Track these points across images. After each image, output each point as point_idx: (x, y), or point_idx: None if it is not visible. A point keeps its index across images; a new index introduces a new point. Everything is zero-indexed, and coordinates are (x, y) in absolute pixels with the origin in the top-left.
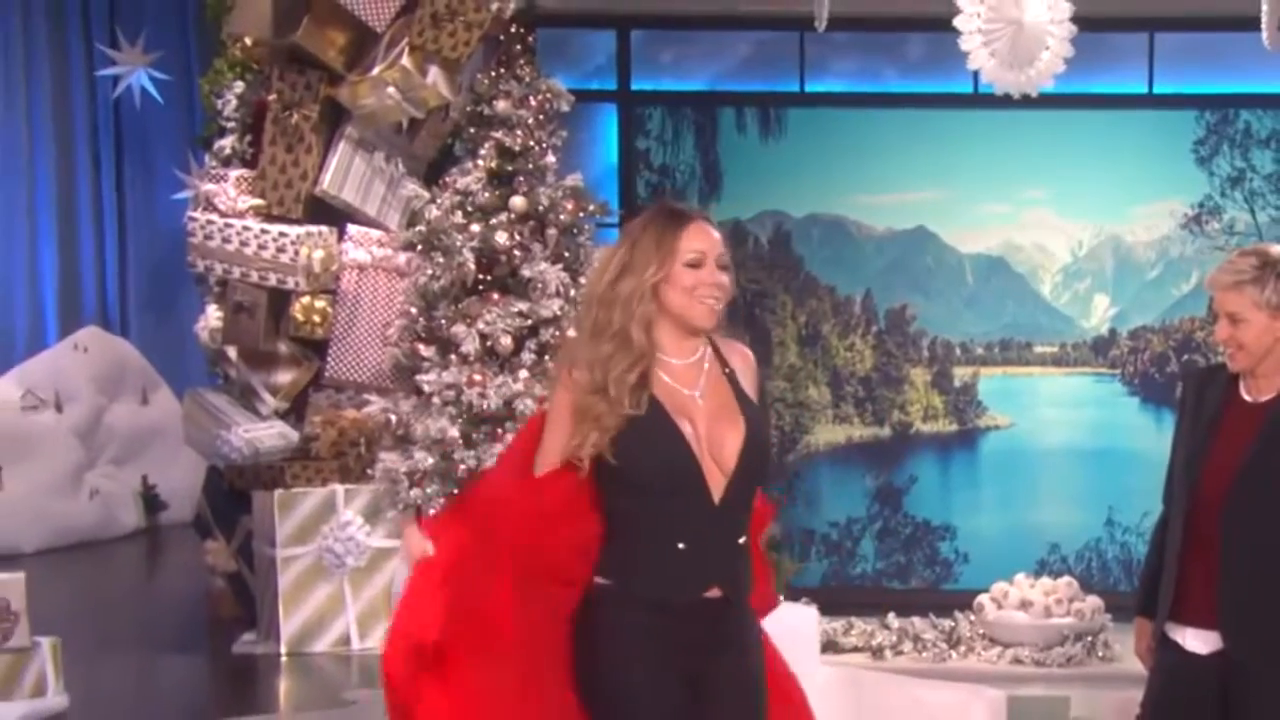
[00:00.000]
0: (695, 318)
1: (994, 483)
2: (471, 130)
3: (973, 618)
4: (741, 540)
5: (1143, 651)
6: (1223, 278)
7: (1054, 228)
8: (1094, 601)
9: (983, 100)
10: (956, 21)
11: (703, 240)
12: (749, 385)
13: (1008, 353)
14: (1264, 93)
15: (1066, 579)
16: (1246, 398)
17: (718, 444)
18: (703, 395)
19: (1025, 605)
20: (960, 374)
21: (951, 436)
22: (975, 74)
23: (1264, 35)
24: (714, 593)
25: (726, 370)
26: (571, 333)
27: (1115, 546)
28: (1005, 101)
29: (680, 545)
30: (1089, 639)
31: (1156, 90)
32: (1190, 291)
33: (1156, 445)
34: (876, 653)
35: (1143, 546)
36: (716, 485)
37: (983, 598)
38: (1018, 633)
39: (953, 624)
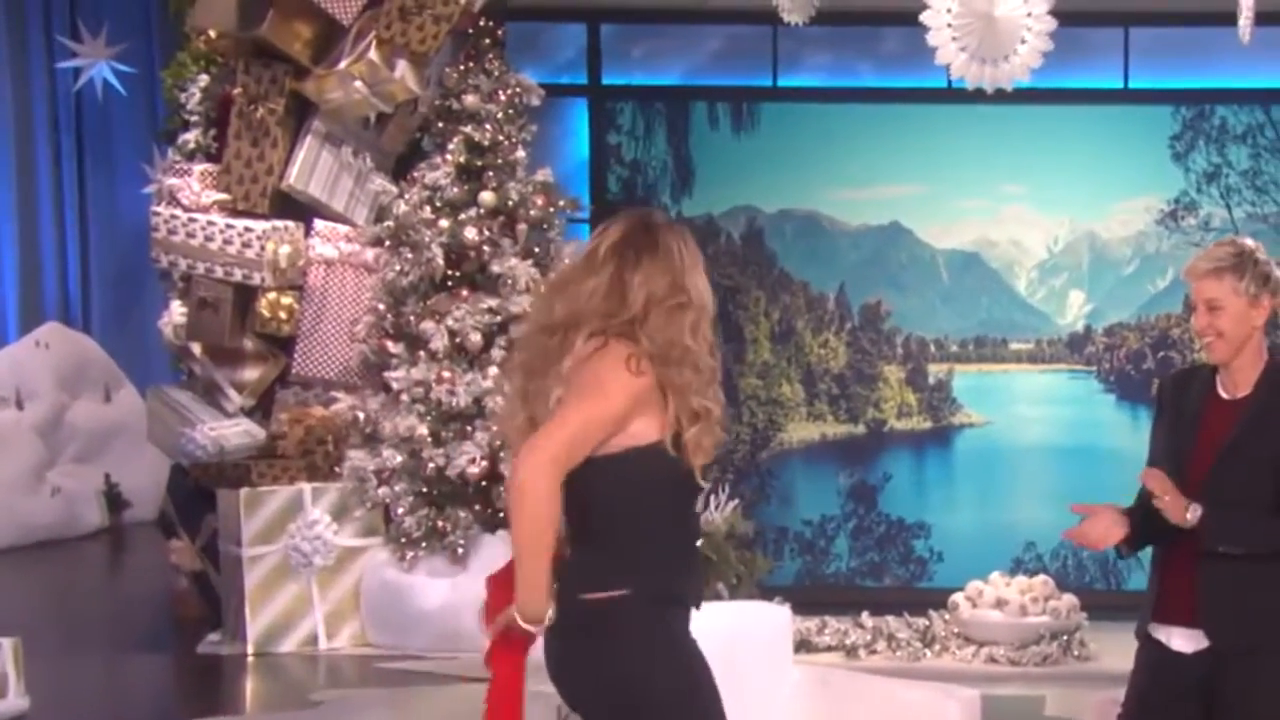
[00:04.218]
0: None
1: (969, 480)
2: (440, 125)
3: (947, 616)
4: None
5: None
6: (1201, 265)
7: (1029, 223)
8: (1070, 600)
9: (958, 95)
10: (924, 17)
11: None
12: None
13: (983, 349)
14: (1240, 88)
15: (1042, 577)
16: (1224, 395)
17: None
18: None
19: (1000, 604)
20: (935, 371)
21: (926, 434)
22: (948, 69)
23: (1240, 30)
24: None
25: None
26: (687, 337)
27: None
28: (980, 96)
29: (700, 542)
30: (1065, 638)
31: (1132, 85)
32: (1166, 288)
33: (1133, 443)
34: (850, 652)
35: None
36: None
37: (957, 596)
38: (993, 631)
39: (927, 623)
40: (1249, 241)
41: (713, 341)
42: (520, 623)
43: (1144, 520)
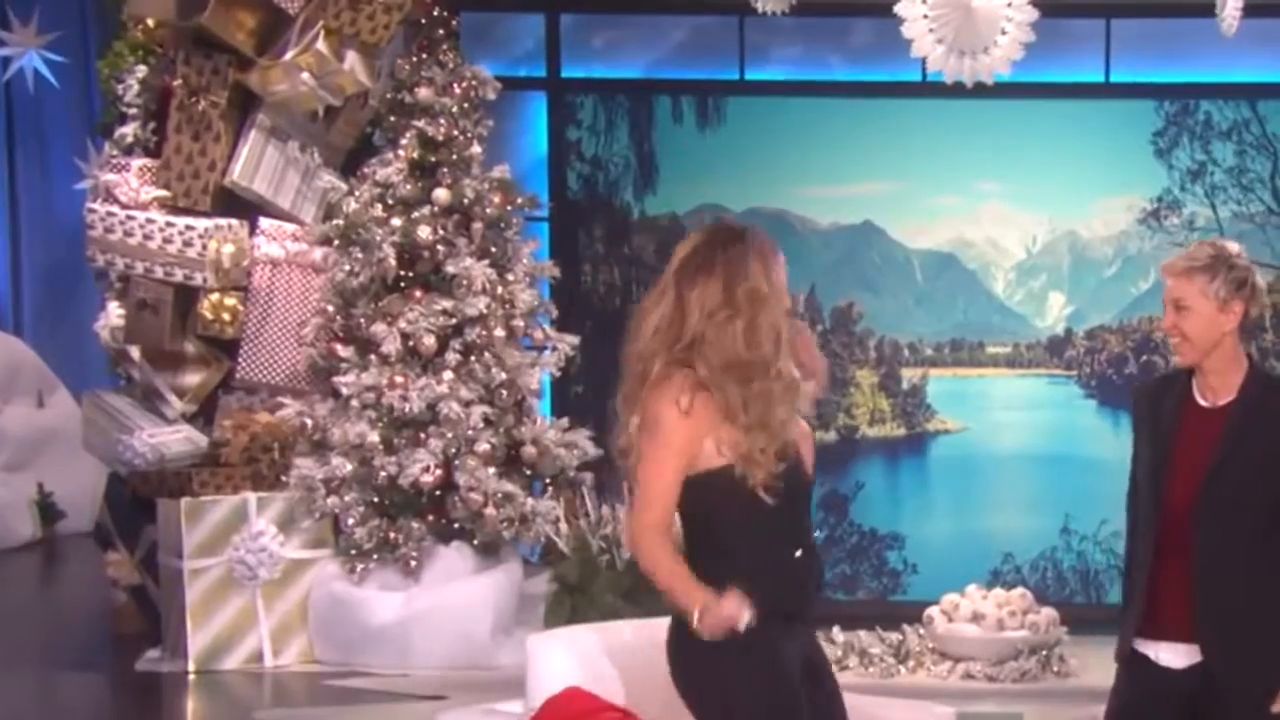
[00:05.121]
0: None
1: (944, 489)
2: (392, 119)
3: (922, 631)
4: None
5: None
6: (1176, 263)
7: (1007, 222)
8: (1049, 614)
9: (933, 89)
10: (899, 8)
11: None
12: None
13: (959, 353)
14: (1225, 82)
15: (1020, 590)
16: (1203, 402)
17: (807, 461)
18: None
19: (977, 618)
20: (909, 375)
21: (900, 441)
22: (924, 61)
23: (1224, 22)
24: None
25: None
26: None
27: (1071, 556)
28: (956, 90)
29: (798, 553)
30: (1044, 653)
31: (1114, 79)
32: (1149, 289)
33: (1114, 450)
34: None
35: (1100, 555)
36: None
37: (932, 610)
38: (969, 646)
39: (901, 638)
40: (1232, 245)
41: (779, 333)
42: (697, 624)
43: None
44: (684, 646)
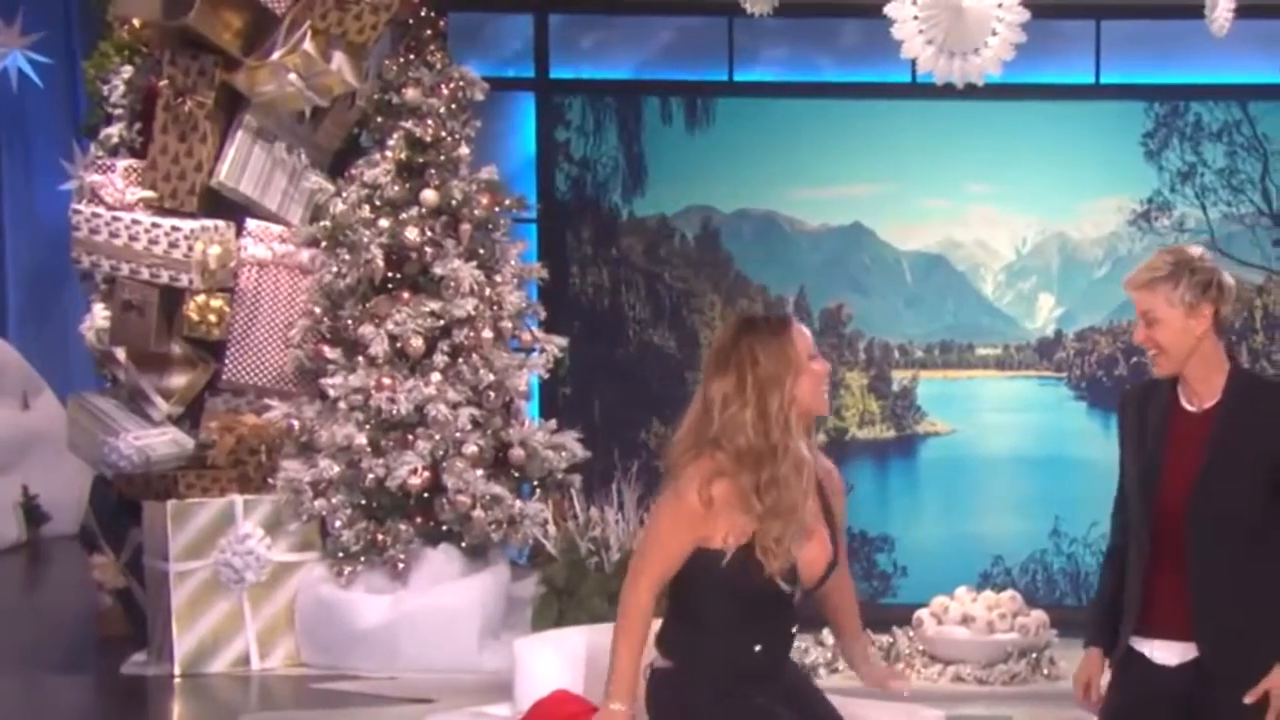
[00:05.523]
0: (820, 408)
1: (934, 491)
2: (379, 119)
3: (911, 634)
4: (795, 628)
5: (1084, 681)
6: (1137, 276)
7: (997, 224)
8: (1039, 616)
9: (922, 90)
10: (889, 9)
11: (806, 334)
12: (834, 500)
13: (948, 355)
14: (1215, 83)
15: (1010, 592)
16: (1189, 407)
17: (808, 564)
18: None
19: (967, 620)
20: (898, 377)
21: (889, 443)
22: (913, 62)
23: (1215, 23)
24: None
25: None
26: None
27: (1061, 558)
28: (946, 92)
29: (757, 648)
30: (1034, 655)
31: (1104, 81)
32: None
33: (1104, 452)
34: (810, 671)
35: (1090, 557)
36: (795, 600)
37: (922, 612)
38: (959, 649)
39: (891, 640)
40: (1193, 249)
41: (789, 415)
42: (608, 704)
43: (1104, 618)
44: (661, 684)
